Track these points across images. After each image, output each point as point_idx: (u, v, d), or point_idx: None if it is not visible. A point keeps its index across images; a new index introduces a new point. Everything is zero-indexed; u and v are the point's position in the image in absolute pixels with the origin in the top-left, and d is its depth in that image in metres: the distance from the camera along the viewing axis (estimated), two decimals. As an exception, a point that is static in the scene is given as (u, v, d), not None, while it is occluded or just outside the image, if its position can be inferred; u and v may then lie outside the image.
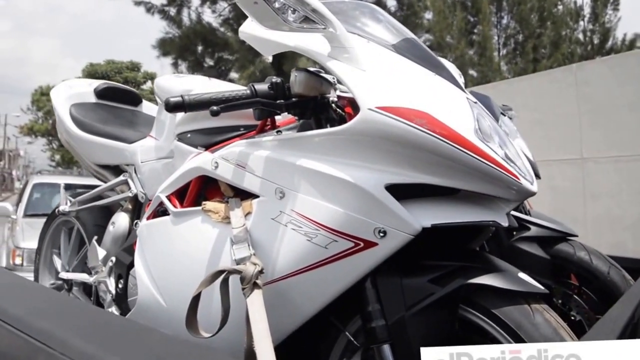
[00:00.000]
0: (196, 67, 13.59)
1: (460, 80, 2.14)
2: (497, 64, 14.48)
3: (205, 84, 1.77)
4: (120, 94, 2.56)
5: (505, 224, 1.27)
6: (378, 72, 1.24)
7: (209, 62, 13.89)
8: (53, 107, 2.41)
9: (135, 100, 2.60)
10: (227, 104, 1.30)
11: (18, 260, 4.87)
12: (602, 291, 2.04)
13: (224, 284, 1.20)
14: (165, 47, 13.43)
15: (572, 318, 2.12)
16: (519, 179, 1.21)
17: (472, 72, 14.39)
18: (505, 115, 2.45)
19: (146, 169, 1.95)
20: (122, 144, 2.10)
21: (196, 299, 1.20)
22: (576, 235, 2.19)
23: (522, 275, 1.22)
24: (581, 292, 2.13)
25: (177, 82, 1.77)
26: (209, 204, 1.43)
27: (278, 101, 1.33)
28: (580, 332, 2.02)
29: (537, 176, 2.24)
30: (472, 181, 1.19)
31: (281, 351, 1.31)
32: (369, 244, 1.16)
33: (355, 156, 1.20)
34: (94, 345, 0.68)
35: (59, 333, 0.71)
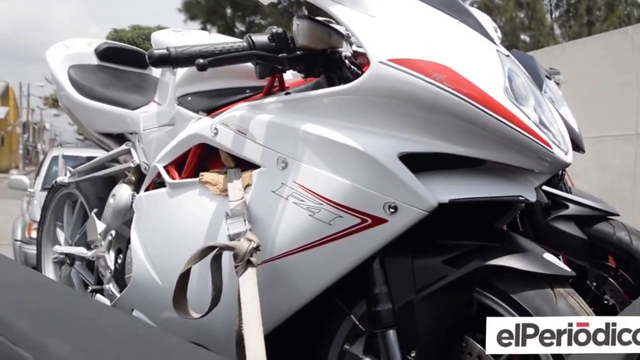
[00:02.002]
0: (226, 33, 13.43)
1: (496, 34, 2.02)
2: (549, 27, 14.06)
3: (207, 40, 1.71)
4: (125, 56, 2.50)
5: (533, 199, 1.19)
6: (390, 18, 1.14)
7: (240, 27, 13.69)
8: (50, 70, 2.36)
9: (143, 62, 2.52)
10: (218, 56, 1.22)
11: (34, 234, 4.98)
12: None
13: (216, 261, 1.17)
14: (191, 10, 13.25)
15: (605, 302, 2.08)
16: (551, 147, 1.11)
17: (523, 36, 14.05)
18: (551, 80, 2.33)
19: (149, 137, 1.91)
20: (125, 110, 2.06)
21: (185, 277, 1.17)
22: (618, 215, 2.12)
23: (548, 256, 1.16)
24: (618, 274, 2.10)
25: (174, 36, 1.71)
26: (206, 175, 1.40)
27: (280, 55, 1.26)
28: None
29: (581, 149, 2.16)
30: (499, 150, 1.10)
31: (281, 333, 1.28)
32: (378, 221, 1.10)
33: (366, 120, 1.13)
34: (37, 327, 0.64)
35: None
